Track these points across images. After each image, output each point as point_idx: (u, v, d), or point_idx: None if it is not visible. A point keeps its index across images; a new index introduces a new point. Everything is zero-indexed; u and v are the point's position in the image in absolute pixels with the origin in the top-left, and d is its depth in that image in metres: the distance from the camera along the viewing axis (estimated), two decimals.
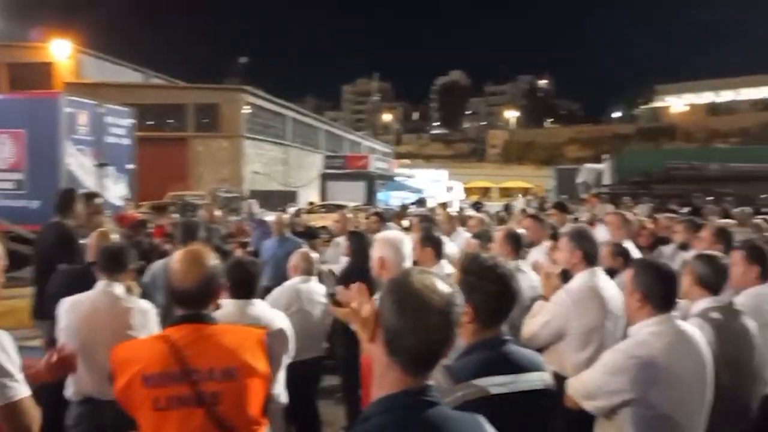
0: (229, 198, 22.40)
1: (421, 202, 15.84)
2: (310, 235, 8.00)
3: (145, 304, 3.48)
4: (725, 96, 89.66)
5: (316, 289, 4.55)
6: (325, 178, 35.65)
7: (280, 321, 3.43)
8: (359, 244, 4.94)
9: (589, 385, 2.65)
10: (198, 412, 2.06)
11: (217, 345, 2.15)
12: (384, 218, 8.96)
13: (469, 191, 52.94)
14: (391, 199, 31.21)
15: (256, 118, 35.06)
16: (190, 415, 2.06)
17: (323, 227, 10.70)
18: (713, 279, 3.17)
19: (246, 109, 33.55)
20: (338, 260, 6.40)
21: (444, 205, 14.24)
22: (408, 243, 3.47)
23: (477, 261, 2.06)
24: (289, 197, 29.08)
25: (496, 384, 1.91)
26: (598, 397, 2.60)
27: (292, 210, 16.60)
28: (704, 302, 3.16)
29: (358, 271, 4.52)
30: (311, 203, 26.16)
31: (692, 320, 3.00)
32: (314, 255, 4.77)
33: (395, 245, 3.38)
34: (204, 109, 33.36)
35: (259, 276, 3.48)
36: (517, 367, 1.99)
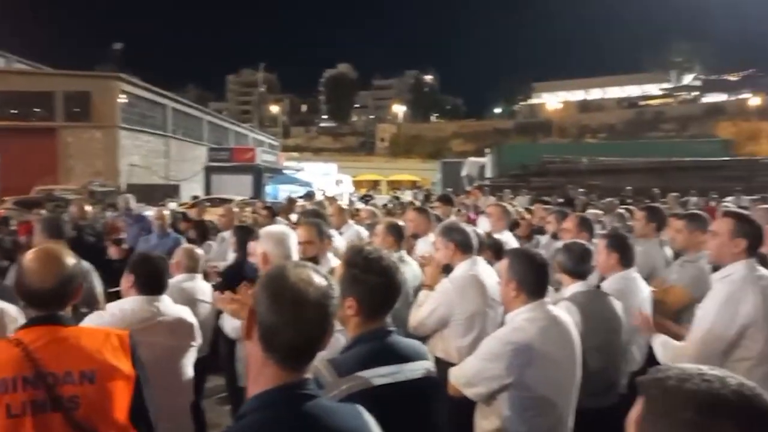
0: (104, 192, 21.10)
1: (309, 196, 15.69)
2: (202, 230, 7.63)
3: (4, 305, 3.17)
4: (594, 94, 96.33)
5: (202, 288, 4.36)
6: (209, 171, 34.54)
7: (187, 316, 3.32)
8: (246, 240, 4.80)
9: (469, 372, 2.74)
10: (55, 417, 1.96)
11: (73, 347, 2.06)
12: (274, 212, 8.81)
13: (358, 184, 53.34)
14: (279, 192, 30.75)
15: (133, 108, 33.19)
16: (47, 420, 1.96)
17: (209, 221, 10.35)
18: (576, 266, 3.43)
19: (121, 98, 31.68)
20: (225, 256, 6.18)
21: (332, 199, 14.23)
22: (293, 237, 3.41)
23: (361, 254, 2.05)
24: (170, 191, 27.89)
25: (381, 375, 1.92)
26: (478, 384, 2.70)
27: (173, 204, 15.91)
28: (573, 287, 3.41)
29: (243, 266, 4.40)
30: (195, 197, 25.19)
31: (561, 303, 3.22)
32: (199, 251, 4.56)
33: (278, 239, 3.31)
34: (74, 97, 31.13)
35: (167, 271, 3.34)
36: (401, 357, 2.01)
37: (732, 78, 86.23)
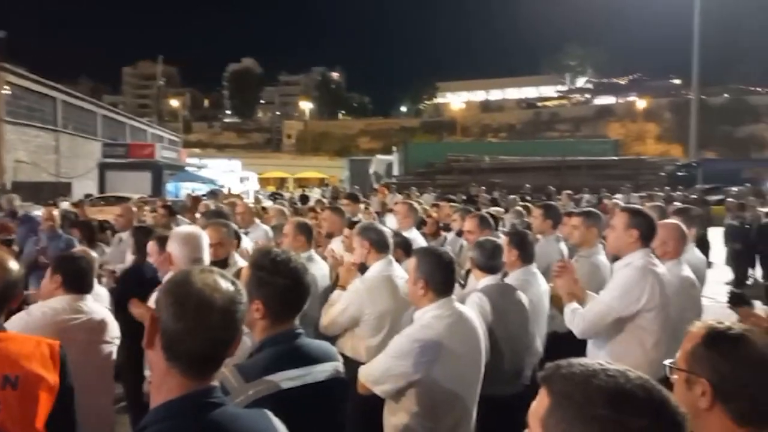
0: None
1: (213, 194, 15.21)
2: (88, 231, 7.15)
3: None
4: (495, 95, 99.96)
5: (96, 292, 4.10)
6: (104, 167, 32.77)
7: (108, 315, 3.23)
8: (145, 241, 4.56)
9: (378, 370, 2.76)
10: None
11: (0, 351, 2.06)
12: (173, 211, 8.45)
13: (264, 182, 52.44)
14: (181, 190, 29.66)
15: (18, 101, 30.86)
16: None
17: (105, 221, 9.72)
18: (487, 262, 3.64)
19: (5, 90, 29.39)
20: (123, 259, 5.87)
21: (239, 197, 13.89)
22: (205, 238, 3.30)
23: (268, 256, 2.01)
24: (61, 189, 26.21)
25: (288, 378, 1.90)
26: (386, 381, 2.72)
27: (64, 204, 14.96)
28: (484, 281, 3.61)
29: (142, 269, 4.20)
30: (88, 195, 23.79)
31: (473, 295, 3.34)
32: (92, 254, 4.29)
33: (187, 240, 3.19)
34: None
35: (92, 270, 3.23)
36: (309, 359, 1.99)
37: (620, 81, 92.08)
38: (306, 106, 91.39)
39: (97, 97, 56.73)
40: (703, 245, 6.64)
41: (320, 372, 1.99)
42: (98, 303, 3.31)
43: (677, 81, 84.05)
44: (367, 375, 2.79)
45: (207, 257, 3.26)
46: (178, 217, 8.65)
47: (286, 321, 2.00)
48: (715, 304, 9.38)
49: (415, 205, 6.19)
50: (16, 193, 16.36)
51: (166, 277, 2.20)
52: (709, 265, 6.47)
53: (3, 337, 2.13)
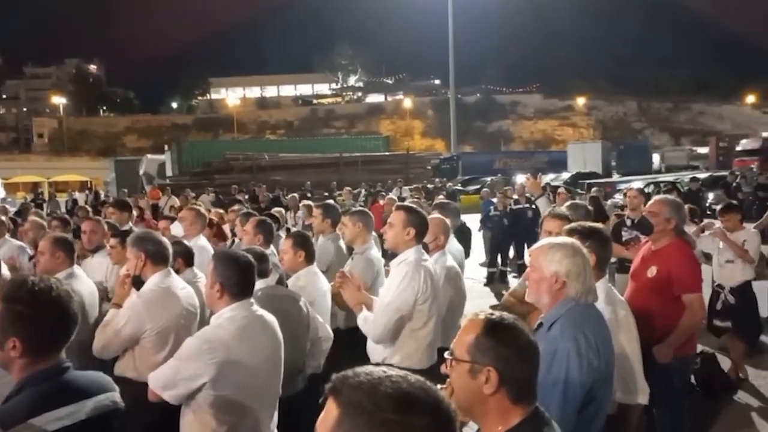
0: None
1: None
2: None
3: None
4: (270, 91, 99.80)
5: None
6: None
7: None
8: None
9: (167, 375, 2.67)
10: None
11: None
12: None
13: (12, 187, 46.05)
14: None
15: None
16: None
17: None
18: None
19: None
20: None
21: None
22: None
23: (25, 286, 1.77)
24: None
25: (57, 418, 1.73)
26: (176, 386, 2.65)
27: None
28: (258, 284, 3.49)
29: None
30: None
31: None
32: None
33: None
34: None
35: None
36: (81, 393, 1.84)
37: (388, 81, 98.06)
38: (59, 101, 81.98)
39: None
40: (464, 233, 7.39)
41: (93, 406, 1.84)
42: None
43: (437, 81, 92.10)
44: (155, 380, 2.68)
45: None
46: None
47: (49, 356, 1.81)
48: (476, 284, 10.59)
49: (202, 210, 5.93)
50: None
51: None
52: (468, 253, 7.20)
53: None
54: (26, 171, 56.74)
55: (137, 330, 3.31)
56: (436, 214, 4.67)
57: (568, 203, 5.50)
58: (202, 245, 5.27)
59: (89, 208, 10.85)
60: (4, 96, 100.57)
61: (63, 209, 18.95)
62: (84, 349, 3.22)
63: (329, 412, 1.08)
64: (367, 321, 3.40)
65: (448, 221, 4.47)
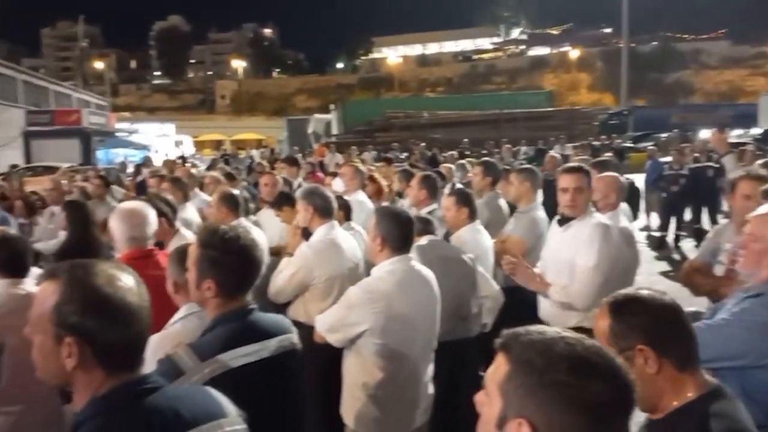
0: None
1: (147, 161, 14.67)
2: (29, 205, 6.72)
3: None
4: (431, 48, 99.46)
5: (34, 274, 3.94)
6: (28, 136, 31.06)
7: None
8: (78, 216, 4.40)
9: (332, 319, 2.87)
10: None
11: None
12: (108, 181, 8.13)
13: (200, 145, 50.96)
14: (113, 157, 28.54)
15: None
16: None
17: (33, 193, 9.18)
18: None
19: None
20: (55, 234, 5.65)
21: (180, 162, 13.49)
22: (152, 214, 3.21)
23: (217, 234, 1.98)
24: None
25: (243, 355, 1.91)
26: (339, 330, 2.84)
27: None
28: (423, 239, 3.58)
29: (78, 246, 4.07)
30: (14, 166, 22.59)
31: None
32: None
33: (125, 217, 3.10)
34: None
35: (27, 251, 3.07)
36: (263, 334, 2.00)
37: (553, 32, 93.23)
38: (239, 64, 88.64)
39: (15, 61, 53.26)
40: (632, 193, 6.94)
41: (275, 346, 2.00)
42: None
43: (608, 30, 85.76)
44: (321, 323, 2.91)
45: (150, 234, 3.18)
46: (113, 187, 8.37)
47: (238, 298, 2.00)
48: (644, 249, 9.93)
49: (361, 167, 6.17)
50: None
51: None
52: (636, 215, 6.76)
53: None
54: (211, 130, 62.45)
55: (307, 277, 3.57)
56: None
57: (760, 161, 4.93)
58: (360, 200, 5.46)
59: (266, 164, 11.72)
60: (192, 60, 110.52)
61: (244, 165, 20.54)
62: (261, 293, 3.54)
63: (499, 367, 1.09)
64: (566, 290, 3.34)
65: (622, 179, 4.22)
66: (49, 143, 29.40)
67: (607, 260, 3.25)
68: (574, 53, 75.05)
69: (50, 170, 17.16)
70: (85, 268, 1.36)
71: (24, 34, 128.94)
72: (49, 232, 6.03)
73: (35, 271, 3.91)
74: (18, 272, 2.97)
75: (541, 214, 4.64)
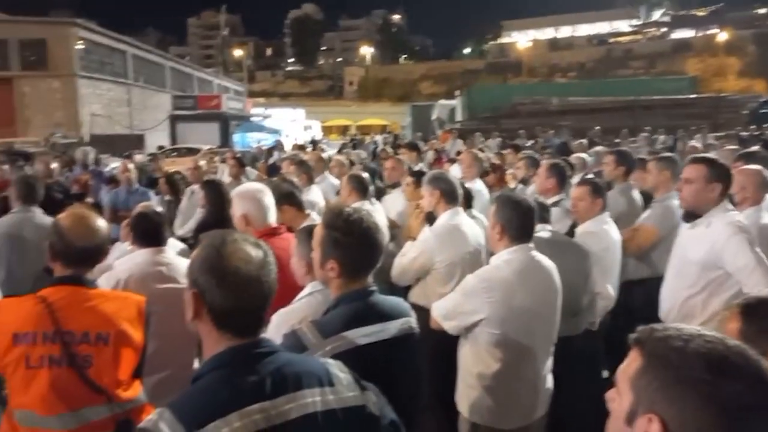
0: (67, 144, 20.50)
1: (278, 145, 15.38)
2: (173, 185, 7.19)
3: None
4: (564, 32, 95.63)
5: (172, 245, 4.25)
6: (174, 119, 33.67)
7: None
8: (215, 194, 4.69)
9: (448, 306, 2.86)
10: (69, 372, 2.15)
11: (94, 310, 2.24)
12: (242, 163, 8.61)
13: (327, 130, 52.70)
14: (248, 140, 30.24)
15: (90, 55, 31.93)
16: (61, 374, 2.15)
17: (177, 172, 10.00)
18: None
19: (79, 45, 30.42)
20: (193, 212, 6.06)
21: (312, 146, 14.01)
22: (269, 194, 3.36)
23: (341, 216, 2.02)
24: (134, 141, 27.16)
25: (364, 335, 1.94)
26: (455, 318, 2.82)
27: (139, 157, 15.52)
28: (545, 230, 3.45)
29: (214, 222, 4.33)
30: (161, 147, 24.61)
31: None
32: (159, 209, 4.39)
33: (256, 199, 3.26)
34: (30, 45, 29.82)
35: (164, 224, 3.35)
36: (383, 315, 2.03)
37: (699, 13, 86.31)
38: (367, 51, 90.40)
39: (164, 49, 57.96)
40: None
41: (394, 328, 2.02)
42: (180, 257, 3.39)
43: (762, 11, 77.97)
44: (438, 310, 2.91)
45: (273, 214, 3.31)
46: (247, 168, 8.85)
47: (360, 279, 2.04)
48: None
49: (480, 154, 6.08)
50: (92, 146, 17.11)
51: None
52: None
53: (96, 294, 2.32)
54: (338, 115, 64.29)
55: (428, 261, 3.59)
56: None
57: None
58: (477, 189, 5.39)
59: (390, 149, 11.89)
60: (324, 47, 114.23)
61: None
62: (376, 274, 3.59)
63: (632, 361, 1.06)
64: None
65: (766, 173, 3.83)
66: (192, 126, 31.68)
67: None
68: (722, 36, 68.95)
69: (193, 152, 18.45)
70: (220, 236, 1.51)
71: (173, 23, 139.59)
72: (191, 209, 6.48)
73: (172, 242, 4.24)
74: (156, 243, 3.20)
75: (677, 203, 4.32)
